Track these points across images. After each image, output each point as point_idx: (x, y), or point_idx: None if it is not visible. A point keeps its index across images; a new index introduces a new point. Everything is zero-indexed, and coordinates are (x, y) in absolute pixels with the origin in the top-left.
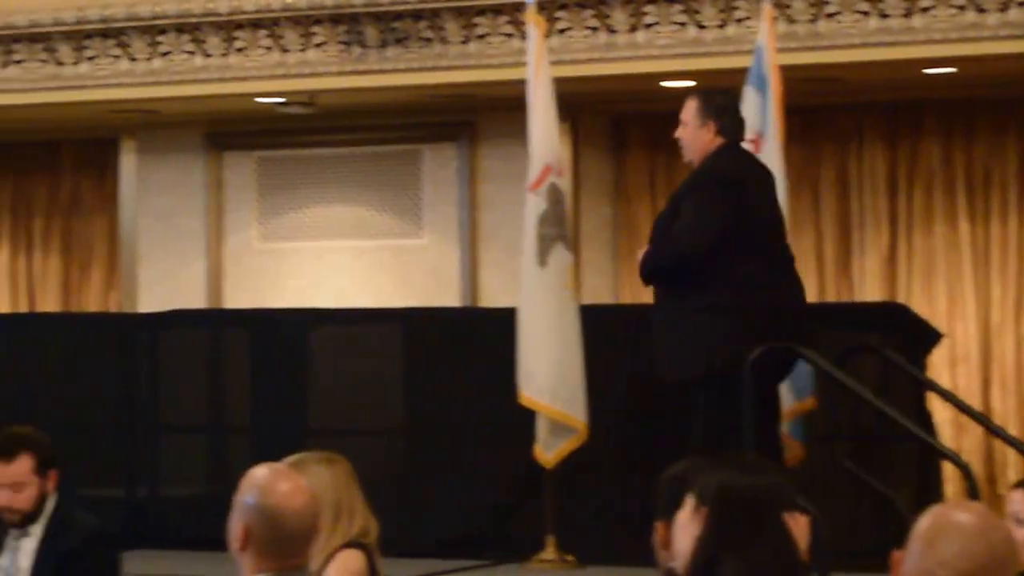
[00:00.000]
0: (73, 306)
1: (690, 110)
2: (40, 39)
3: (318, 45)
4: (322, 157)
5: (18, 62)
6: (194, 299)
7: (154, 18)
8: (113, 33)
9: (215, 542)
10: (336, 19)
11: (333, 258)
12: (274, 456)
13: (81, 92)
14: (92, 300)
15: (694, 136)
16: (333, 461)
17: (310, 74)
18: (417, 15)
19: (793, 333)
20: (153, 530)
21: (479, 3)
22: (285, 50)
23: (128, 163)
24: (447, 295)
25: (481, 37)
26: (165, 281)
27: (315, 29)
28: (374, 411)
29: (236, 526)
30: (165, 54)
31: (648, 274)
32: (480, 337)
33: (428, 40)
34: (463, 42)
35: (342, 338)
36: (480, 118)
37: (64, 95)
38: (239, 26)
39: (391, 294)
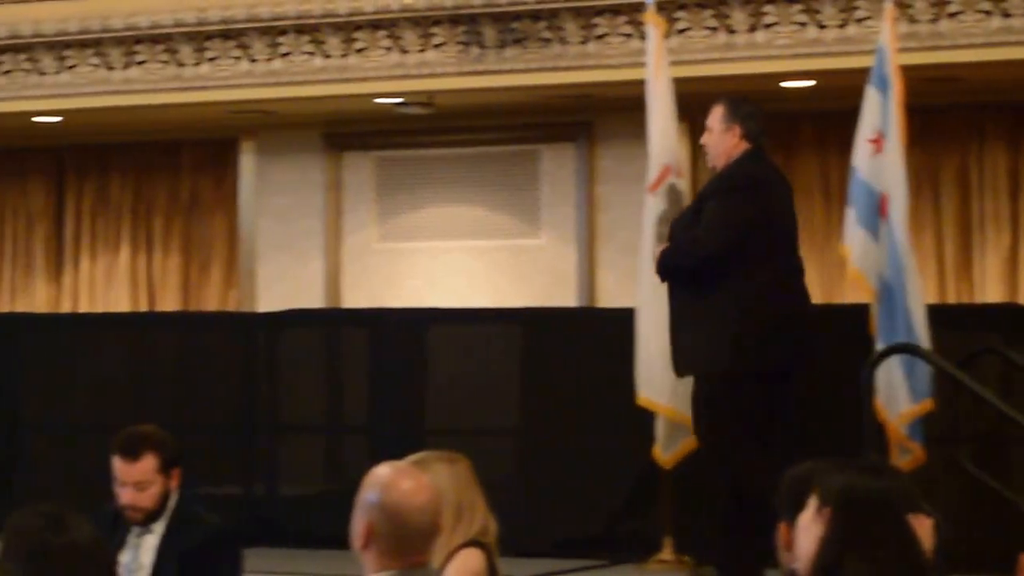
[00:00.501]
0: (192, 305)
1: (716, 116)
2: (161, 40)
3: (437, 46)
4: (440, 157)
5: (140, 63)
6: (312, 298)
7: (274, 19)
8: (233, 34)
9: (333, 540)
10: (455, 20)
11: (451, 258)
12: (391, 455)
13: (202, 93)
14: (211, 299)
15: (719, 140)
16: (454, 460)
17: (429, 75)
18: (536, 15)
19: (800, 340)
20: (271, 528)
21: (598, 3)
22: (404, 51)
23: (247, 163)
24: (564, 295)
25: (600, 37)
26: (284, 280)
27: (434, 30)
28: (491, 411)
29: (359, 524)
30: (285, 55)
31: (666, 271)
32: (597, 337)
33: (547, 40)
34: (582, 42)
35: (460, 338)
36: (598, 118)
37: (185, 96)
38: (358, 27)
39: (508, 294)
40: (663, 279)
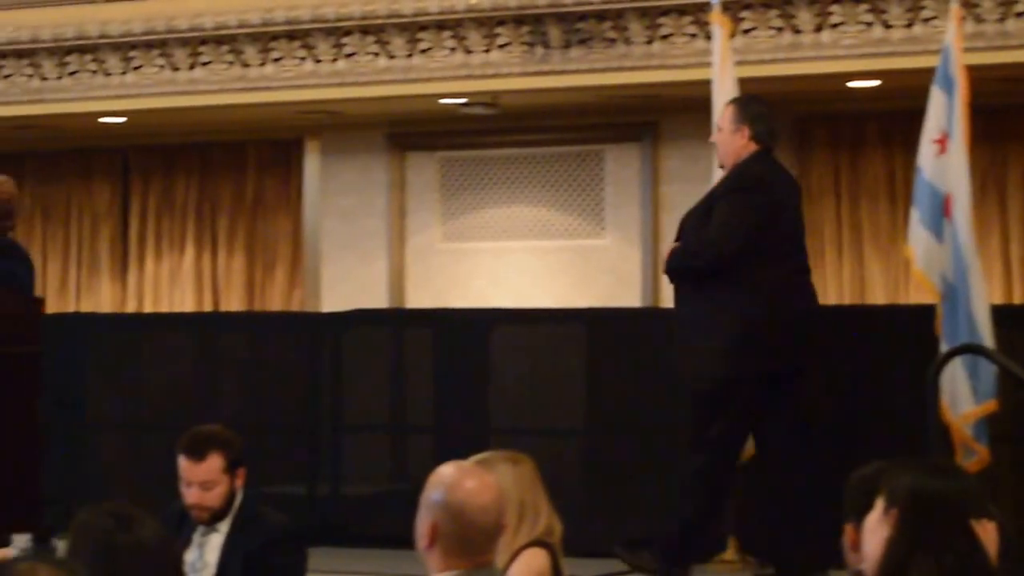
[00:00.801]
0: (257, 305)
1: (726, 115)
2: (226, 41)
3: (501, 46)
4: (504, 157)
5: (205, 64)
6: (376, 298)
7: (339, 20)
8: (299, 35)
9: (397, 540)
10: (520, 20)
11: (515, 258)
12: (455, 455)
13: (266, 93)
14: (276, 299)
15: (728, 140)
16: (518, 460)
17: (493, 75)
18: (601, 16)
19: (806, 340)
20: (335, 528)
21: (663, 3)
22: (469, 51)
23: (312, 163)
24: (628, 295)
25: (665, 38)
26: (348, 280)
27: (499, 30)
28: (555, 411)
29: (423, 524)
30: (350, 55)
31: (674, 272)
32: (661, 338)
33: (612, 41)
34: (647, 42)
35: (524, 338)
36: (663, 119)
37: (250, 96)
38: (423, 27)
39: (572, 294)
40: (671, 280)
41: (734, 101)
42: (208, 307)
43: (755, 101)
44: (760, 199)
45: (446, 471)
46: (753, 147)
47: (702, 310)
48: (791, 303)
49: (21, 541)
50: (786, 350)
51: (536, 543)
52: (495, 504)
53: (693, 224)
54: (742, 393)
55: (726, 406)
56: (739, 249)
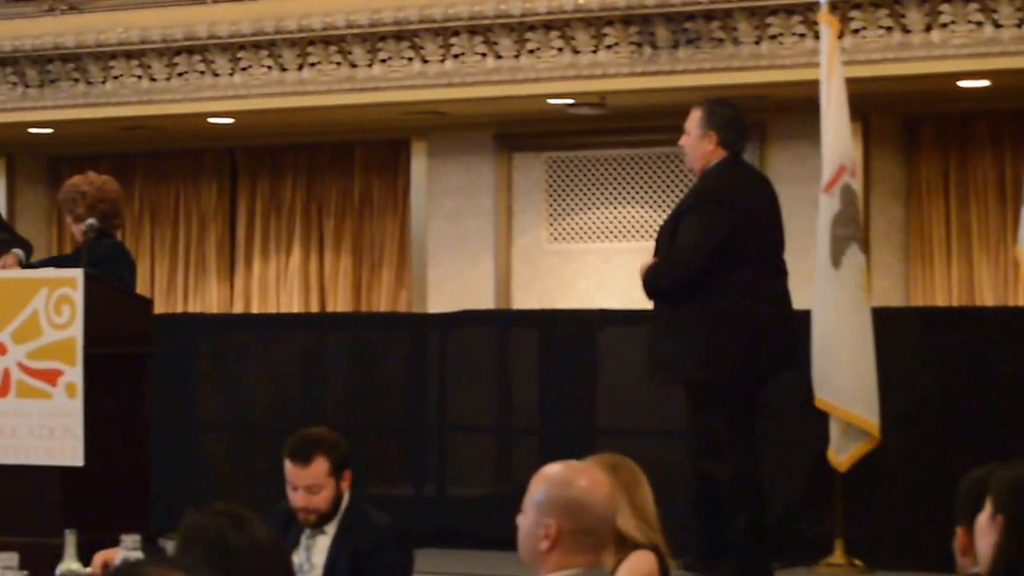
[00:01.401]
0: (363, 306)
1: (693, 119)
2: (334, 41)
3: (609, 46)
4: (611, 158)
5: (313, 64)
6: (483, 299)
7: (446, 20)
8: (406, 35)
9: (502, 541)
10: (628, 20)
11: (621, 259)
12: (561, 456)
13: (374, 94)
14: (382, 300)
15: (695, 145)
16: (619, 463)
17: (601, 75)
18: (709, 15)
19: (787, 344)
20: (441, 529)
21: (772, 3)
22: (576, 51)
23: (419, 164)
24: None
25: (773, 37)
26: (454, 281)
27: (607, 30)
28: (661, 412)
29: (538, 525)
30: (457, 56)
31: (651, 292)
32: None
33: (720, 40)
34: (755, 42)
35: (630, 339)
36: (771, 119)
37: (357, 97)
38: (531, 27)
39: None
40: (649, 297)
41: (701, 105)
42: (315, 308)
43: (723, 105)
44: (727, 212)
45: (555, 470)
46: (721, 152)
47: (671, 320)
48: (757, 312)
49: (130, 542)
50: (753, 360)
51: (643, 545)
52: (610, 499)
53: (665, 241)
54: (722, 400)
55: (711, 413)
56: (704, 265)
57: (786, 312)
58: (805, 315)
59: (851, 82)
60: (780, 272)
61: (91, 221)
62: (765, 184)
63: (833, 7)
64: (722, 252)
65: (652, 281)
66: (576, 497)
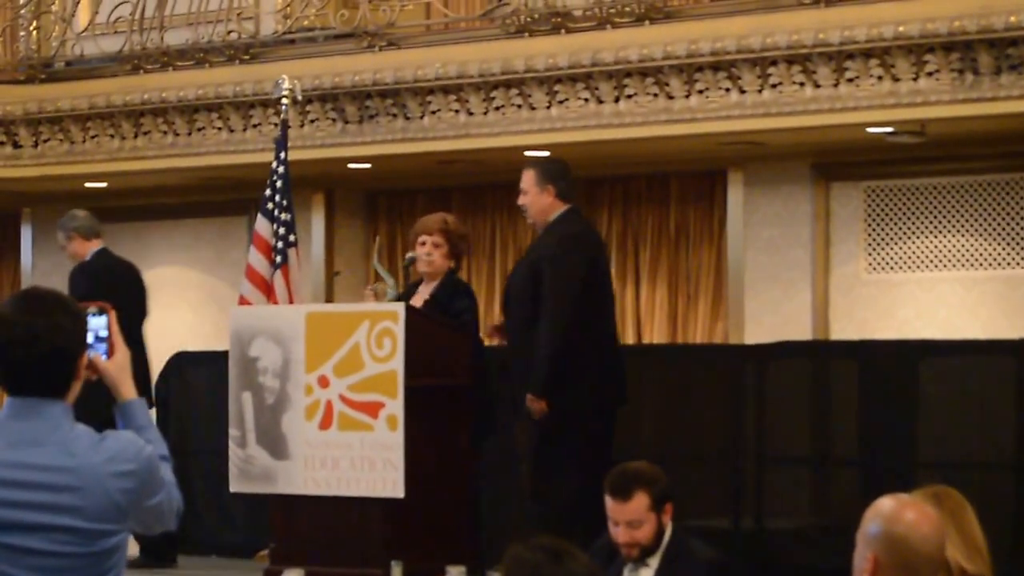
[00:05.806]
0: (679, 337)
1: (528, 179)
2: (651, 73)
3: (930, 73)
4: (931, 187)
5: (630, 96)
6: (800, 330)
7: (764, 50)
8: (724, 66)
9: (820, 572)
10: (949, 46)
11: (942, 289)
12: (881, 489)
13: (691, 125)
14: (698, 331)
15: (536, 200)
16: (945, 492)
17: (921, 103)
18: None
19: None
20: (759, 561)
21: None
22: (896, 79)
23: (735, 195)
24: None
25: None
26: (771, 312)
27: (927, 57)
28: (985, 444)
29: (861, 558)
30: (775, 86)
31: (548, 362)
32: None
33: None
34: None
35: (952, 370)
36: None
37: (674, 128)
38: (850, 56)
39: (1003, 325)
40: (557, 360)
41: (531, 165)
42: (631, 339)
43: (553, 161)
44: (580, 257)
45: (884, 504)
46: (560, 205)
47: (522, 351)
48: (584, 348)
49: (455, 573)
50: (593, 394)
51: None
52: (937, 535)
53: (517, 294)
54: (567, 430)
55: (555, 443)
56: (574, 311)
57: (612, 350)
58: None
59: None
60: (609, 315)
61: (411, 255)
62: (601, 241)
63: None
64: (583, 293)
65: (545, 366)
66: (898, 532)
